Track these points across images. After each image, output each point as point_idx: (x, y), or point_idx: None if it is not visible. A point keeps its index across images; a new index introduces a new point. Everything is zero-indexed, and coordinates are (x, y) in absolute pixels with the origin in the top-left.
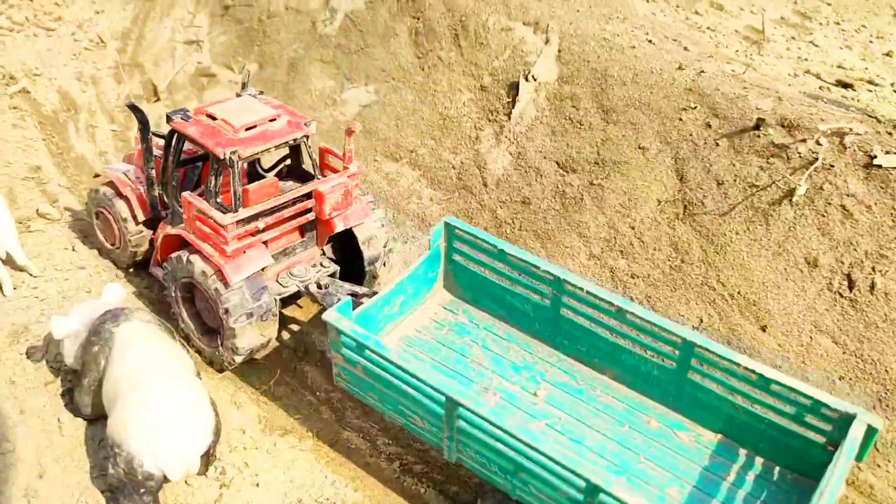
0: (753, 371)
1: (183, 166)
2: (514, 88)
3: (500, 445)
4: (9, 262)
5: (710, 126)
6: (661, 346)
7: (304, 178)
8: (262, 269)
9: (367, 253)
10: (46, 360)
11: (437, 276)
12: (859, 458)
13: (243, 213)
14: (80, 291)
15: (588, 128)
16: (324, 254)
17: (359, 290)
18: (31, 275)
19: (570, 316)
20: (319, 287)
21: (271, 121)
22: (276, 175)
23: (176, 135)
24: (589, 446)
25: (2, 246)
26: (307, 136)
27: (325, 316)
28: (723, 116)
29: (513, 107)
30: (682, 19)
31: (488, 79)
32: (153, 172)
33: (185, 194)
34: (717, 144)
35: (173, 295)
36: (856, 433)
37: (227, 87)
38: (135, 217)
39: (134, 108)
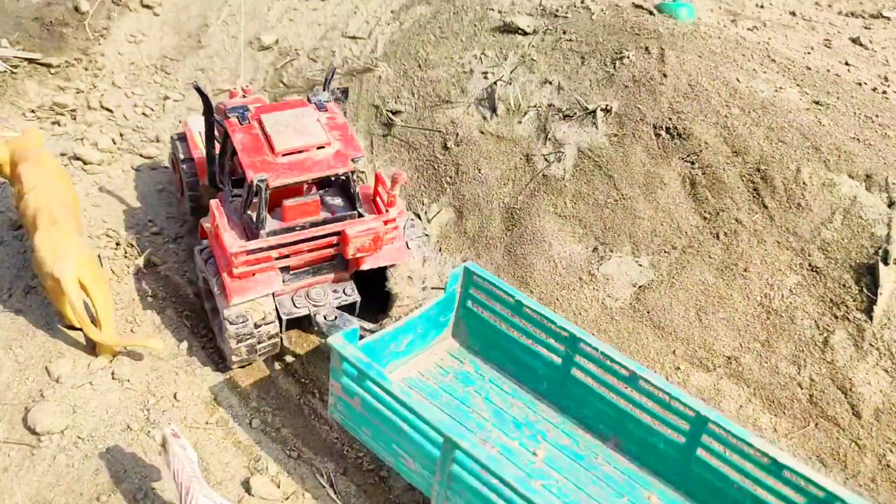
0: (766, 454)
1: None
2: (863, 272)
3: (493, 496)
4: None
5: None
6: (673, 417)
7: (351, 203)
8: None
9: (394, 289)
10: None
11: (449, 322)
12: None
13: (254, 243)
14: None
15: None
16: (352, 279)
17: (368, 326)
18: None
19: (581, 377)
20: (326, 318)
21: (319, 148)
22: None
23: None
24: None
25: None
26: (352, 172)
27: (329, 340)
28: None
29: (872, 300)
30: None
31: (819, 255)
32: (214, 151)
33: (212, 203)
34: None
35: (198, 280)
36: None
37: None
38: (195, 176)
39: (199, 91)
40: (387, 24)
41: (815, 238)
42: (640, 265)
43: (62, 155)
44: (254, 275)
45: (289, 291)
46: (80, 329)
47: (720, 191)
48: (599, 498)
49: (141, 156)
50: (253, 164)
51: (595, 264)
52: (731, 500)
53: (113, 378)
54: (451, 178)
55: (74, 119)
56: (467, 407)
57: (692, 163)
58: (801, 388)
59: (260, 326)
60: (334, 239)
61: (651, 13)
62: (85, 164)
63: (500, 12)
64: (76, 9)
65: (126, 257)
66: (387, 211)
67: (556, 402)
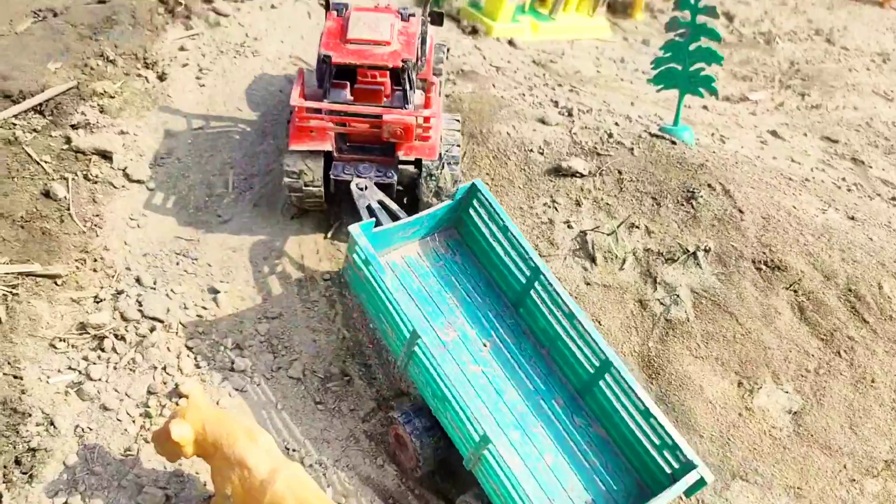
0: (643, 402)
1: None
2: None
3: (436, 376)
4: None
5: None
6: (589, 353)
7: (406, 99)
8: (327, 153)
9: (424, 182)
10: None
11: (453, 222)
12: (687, 494)
13: (309, 103)
14: None
15: None
16: (400, 164)
17: (388, 202)
18: None
19: (535, 298)
20: (358, 186)
21: (382, 44)
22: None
23: None
24: (505, 400)
25: None
26: (400, 68)
27: (349, 227)
28: None
29: None
30: None
31: None
32: None
33: (299, 68)
34: None
35: None
36: (689, 479)
37: None
38: None
39: None
40: None
41: None
42: (786, 392)
43: (150, 392)
44: (311, 132)
45: (345, 160)
46: None
47: (826, 313)
48: (520, 390)
49: (232, 369)
50: (326, 44)
51: (747, 398)
52: (615, 420)
53: None
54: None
55: (124, 340)
56: (446, 292)
57: (795, 291)
58: None
59: (304, 177)
60: (376, 121)
61: (673, 143)
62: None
63: (541, 153)
64: (47, 195)
65: None
66: (422, 110)
67: (515, 307)
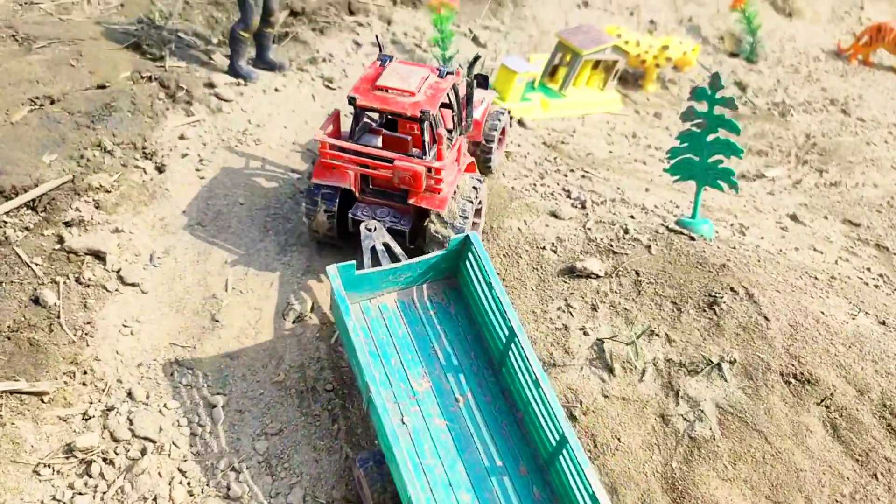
0: (595, 494)
1: None
2: None
3: (382, 430)
4: None
5: None
6: (550, 425)
7: (425, 150)
8: (347, 190)
9: (430, 230)
10: None
11: (447, 270)
12: None
13: (334, 140)
14: None
15: None
16: (423, 215)
17: (393, 246)
18: None
19: (510, 358)
20: (367, 227)
21: (406, 93)
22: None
23: None
24: (465, 460)
25: None
26: (419, 118)
27: (328, 267)
28: None
29: None
30: None
31: None
32: None
33: (335, 110)
34: None
35: None
36: None
37: None
38: None
39: (378, 41)
40: None
41: None
42: None
43: None
44: (334, 167)
45: (367, 202)
46: None
47: (860, 431)
48: (485, 451)
49: (228, 496)
50: (357, 88)
51: None
52: (573, 496)
53: None
54: (591, 452)
55: (113, 465)
56: (432, 341)
57: (827, 407)
58: None
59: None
60: (388, 166)
61: (692, 238)
62: None
63: (554, 251)
64: (36, 301)
65: None
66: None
67: (500, 366)
